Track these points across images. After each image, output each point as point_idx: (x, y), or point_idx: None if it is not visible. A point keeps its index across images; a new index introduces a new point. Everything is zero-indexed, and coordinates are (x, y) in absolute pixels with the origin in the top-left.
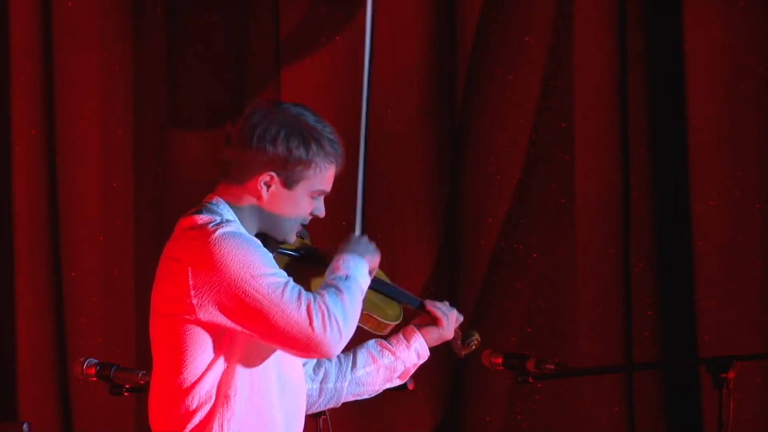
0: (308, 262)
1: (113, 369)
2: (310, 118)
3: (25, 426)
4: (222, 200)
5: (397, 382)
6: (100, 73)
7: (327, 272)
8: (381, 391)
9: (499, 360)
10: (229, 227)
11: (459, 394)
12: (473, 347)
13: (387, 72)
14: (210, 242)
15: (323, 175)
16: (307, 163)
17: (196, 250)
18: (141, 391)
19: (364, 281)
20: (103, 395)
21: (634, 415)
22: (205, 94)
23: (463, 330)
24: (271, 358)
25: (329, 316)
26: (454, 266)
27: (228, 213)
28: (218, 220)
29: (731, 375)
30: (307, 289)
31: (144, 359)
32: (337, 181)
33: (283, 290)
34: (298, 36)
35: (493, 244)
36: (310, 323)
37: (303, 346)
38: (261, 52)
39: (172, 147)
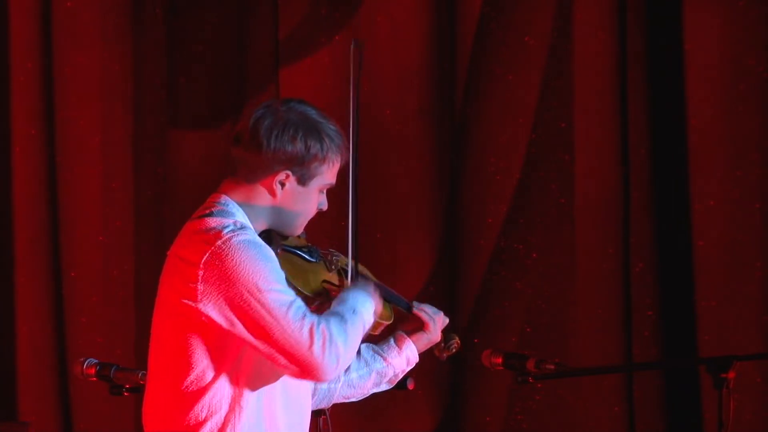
0: (308, 259)
1: (113, 369)
2: (315, 113)
3: (25, 426)
4: (230, 199)
5: (385, 387)
6: (99, 73)
7: (334, 302)
8: (368, 394)
9: (499, 360)
10: (243, 235)
11: (459, 394)
12: (453, 350)
13: (387, 72)
14: (222, 248)
15: (334, 169)
16: (322, 159)
17: (207, 254)
18: (141, 391)
19: (368, 319)
20: (103, 395)
21: (634, 415)
22: (205, 94)
23: (444, 333)
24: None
25: (330, 342)
26: (454, 266)
27: (239, 213)
28: (231, 227)
29: (731, 375)
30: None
31: (144, 359)
32: (338, 181)
33: (288, 308)
34: (298, 36)
35: (493, 244)
36: (310, 345)
37: (299, 366)
38: (261, 52)
39: (172, 147)
